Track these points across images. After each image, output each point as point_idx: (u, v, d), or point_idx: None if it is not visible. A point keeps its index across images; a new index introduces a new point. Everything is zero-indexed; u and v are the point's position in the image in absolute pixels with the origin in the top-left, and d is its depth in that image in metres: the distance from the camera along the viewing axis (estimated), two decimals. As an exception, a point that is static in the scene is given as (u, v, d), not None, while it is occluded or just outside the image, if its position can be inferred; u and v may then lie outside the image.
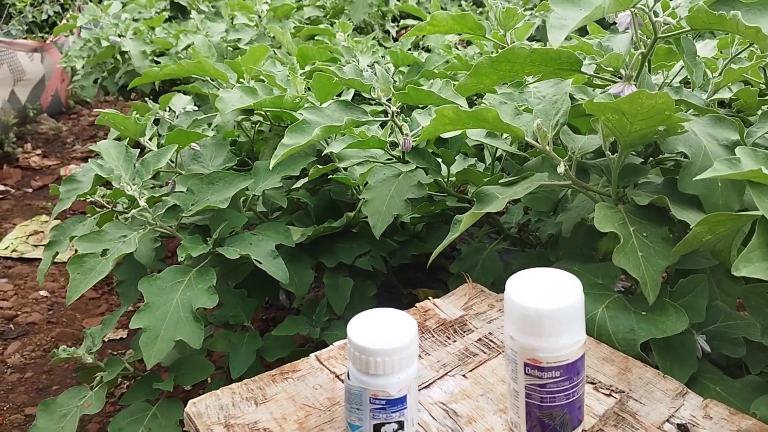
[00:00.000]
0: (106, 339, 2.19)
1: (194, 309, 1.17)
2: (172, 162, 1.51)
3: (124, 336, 2.24)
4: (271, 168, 1.09)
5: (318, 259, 1.43)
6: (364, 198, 1.22)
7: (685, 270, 0.94)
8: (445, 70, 1.71)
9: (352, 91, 1.57)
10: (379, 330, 0.67)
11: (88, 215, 1.50)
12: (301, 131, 1.08)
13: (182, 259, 1.23)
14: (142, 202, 1.27)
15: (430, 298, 0.96)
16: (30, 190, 3.54)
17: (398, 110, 1.20)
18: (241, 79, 1.70)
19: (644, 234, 0.87)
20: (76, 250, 1.23)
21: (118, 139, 1.64)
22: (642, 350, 0.84)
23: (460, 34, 3.05)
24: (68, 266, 1.20)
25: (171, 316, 1.16)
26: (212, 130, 1.61)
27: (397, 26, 3.58)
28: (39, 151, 4.03)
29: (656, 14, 0.95)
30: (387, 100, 1.19)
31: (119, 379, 1.87)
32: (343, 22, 2.29)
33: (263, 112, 1.61)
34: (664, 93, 0.75)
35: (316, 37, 2.56)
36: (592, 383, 0.77)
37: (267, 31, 2.56)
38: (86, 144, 4.22)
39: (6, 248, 2.85)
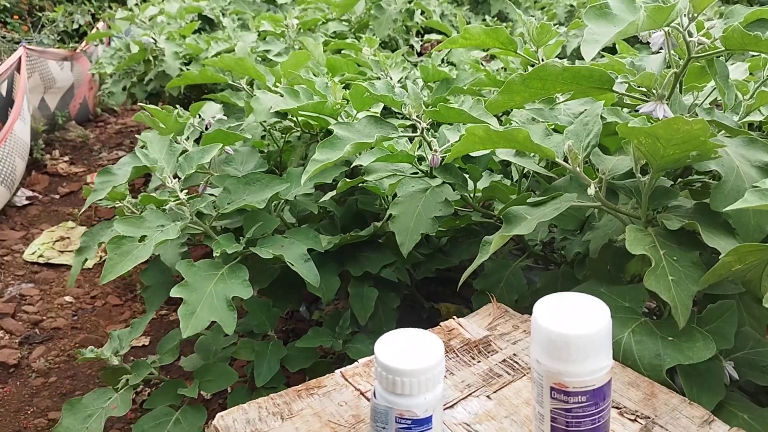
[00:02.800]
0: (129, 346, 2.21)
1: (228, 298, 1.19)
2: (206, 164, 1.54)
3: (147, 343, 2.26)
4: (303, 183, 1.11)
5: (344, 267, 1.44)
6: (391, 214, 1.23)
7: (713, 295, 0.93)
8: (472, 86, 1.71)
9: (382, 104, 1.58)
10: (406, 350, 0.68)
11: (117, 216, 1.52)
12: (332, 147, 1.09)
13: (216, 256, 1.24)
14: (182, 195, 1.29)
15: (454, 317, 0.96)
16: (57, 197, 3.59)
17: (427, 126, 1.21)
18: (277, 83, 1.72)
19: (674, 258, 0.86)
20: (110, 239, 1.25)
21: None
22: (668, 373, 0.83)
23: (486, 50, 3.06)
24: (107, 245, 1.23)
25: (206, 299, 1.18)
26: (245, 132, 1.63)
27: (421, 41, 3.59)
28: (66, 158, 4.10)
29: (690, 34, 0.95)
30: (417, 117, 1.19)
31: (141, 387, 1.90)
32: (369, 37, 2.31)
33: (294, 119, 1.63)
34: (701, 120, 0.75)
35: (342, 51, 2.58)
36: (617, 408, 0.77)
37: (295, 43, 2.59)
38: (113, 152, 4.28)
39: (33, 253, 2.90)
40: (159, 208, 1.34)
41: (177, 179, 1.33)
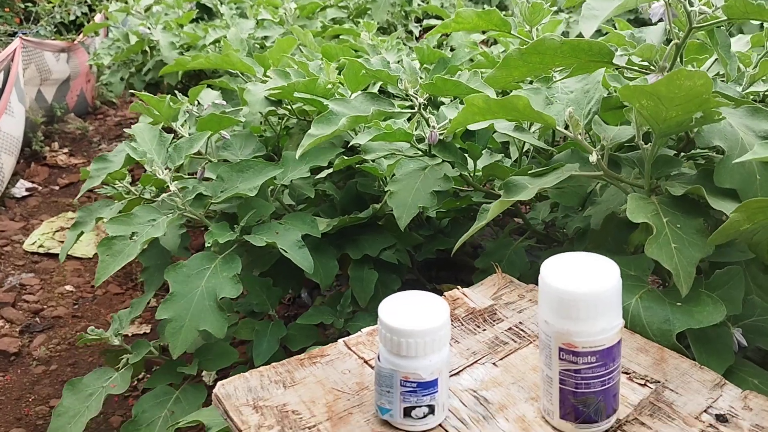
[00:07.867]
0: (130, 333, 2.21)
1: (218, 298, 1.17)
2: (202, 150, 1.53)
3: (148, 331, 2.25)
4: (297, 157, 1.09)
5: (343, 250, 1.43)
6: (389, 190, 1.22)
7: (719, 263, 0.92)
8: (470, 68, 1.70)
9: (378, 84, 1.56)
10: (411, 311, 0.67)
11: (116, 200, 1.51)
12: (327, 122, 1.08)
13: (209, 245, 1.23)
14: (173, 187, 1.28)
15: (459, 287, 0.95)
16: (57, 188, 3.58)
17: (425, 102, 1.19)
18: (267, 74, 1.70)
19: (678, 225, 0.85)
20: (101, 240, 1.25)
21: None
22: (677, 343, 0.82)
23: (484, 32, 3.03)
24: (98, 248, 1.23)
25: (196, 306, 1.17)
26: (242, 117, 1.62)
27: (420, 26, 3.57)
28: (66, 150, 4.08)
29: (691, 3, 0.94)
30: (414, 92, 1.18)
31: (143, 373, 1.89)
32: (367, 21, 2.29)
33: (289, 107, 1.61)
34: (703, 73, 0.73)
35: (340, 37, 2.56)
36: (626, 373, 0.76)
37: (294, 29, 2.58)
38: (112, 143, 4.26)
39: (33, 244, 2.89)
40: (149, 203, 1.33)
41: (168, 170, 1.31)
